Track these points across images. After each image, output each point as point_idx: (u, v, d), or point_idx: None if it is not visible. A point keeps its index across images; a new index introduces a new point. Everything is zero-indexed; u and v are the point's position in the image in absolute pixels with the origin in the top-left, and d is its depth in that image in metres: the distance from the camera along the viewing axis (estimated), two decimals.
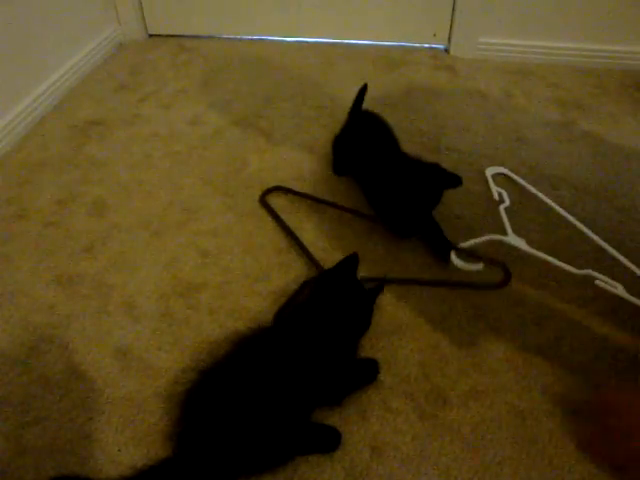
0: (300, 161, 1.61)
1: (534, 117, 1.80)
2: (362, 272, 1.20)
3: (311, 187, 1.50)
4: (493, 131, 1.73)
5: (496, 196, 1.45)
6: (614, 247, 1.29)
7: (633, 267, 1.22)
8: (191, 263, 1.30)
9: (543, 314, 1.17)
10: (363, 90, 1.57)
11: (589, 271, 1.18)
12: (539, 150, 1.64)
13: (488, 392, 1.03)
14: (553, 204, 1.41)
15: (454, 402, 1.02)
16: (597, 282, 1.16)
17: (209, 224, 1.40)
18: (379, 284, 1.04)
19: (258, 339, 0.98)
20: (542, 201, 1.43)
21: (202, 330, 1.14)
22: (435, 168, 1.24)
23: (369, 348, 1.10)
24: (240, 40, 2.29)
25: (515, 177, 1.52)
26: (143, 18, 2.27)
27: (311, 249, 1.30)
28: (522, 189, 1.49)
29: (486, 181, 1.52)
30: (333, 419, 0.99)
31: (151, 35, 2.33)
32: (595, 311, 1.17)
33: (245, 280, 1.25)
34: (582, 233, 1.33)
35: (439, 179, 1.23)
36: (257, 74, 2.06)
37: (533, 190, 1.47)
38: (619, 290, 1.14)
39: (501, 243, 1.27)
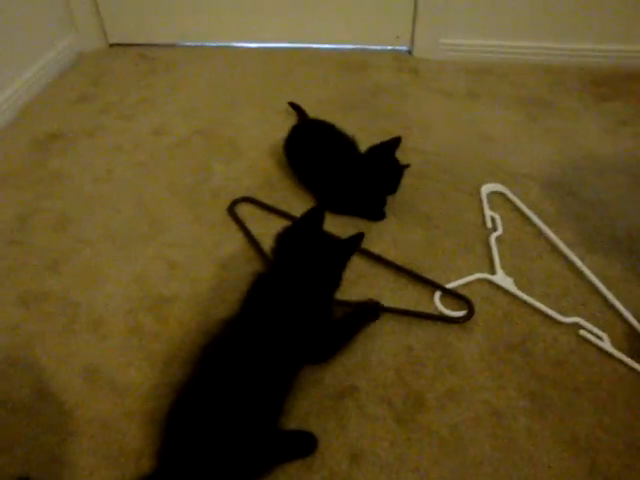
0: (268, 168, 1.59)
1: (498, 115, 1.81)
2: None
3: (280, 194, 1.49)
4: (458, 131, 1.74)
5: (489, 223, 1.38)
6: (583, 241, 1.32)
7: (626, 313, 1.15)
8: (159, 276, 1.27)
9: (514, 311, 1.18)
10: (294, 106, 1.78)
11: (577, 319, 1.14)
12: (504, 148, 1.66)
13: (464, 393, 1.03)
14: (549, 232, 1.34)
15: (431, 404, 1.02)
16: (581, 332, 1.12)
17: (176, 235, 1.38)
18: (357, 235, 1.00)
19: (224, 336, 0.97)
20: (537, 227, 1.37)
21: (173, 344, 1.12)
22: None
23: (343, 354, 1.09)
24: (202, 47, 2.26)
25: (513, 197, 1.45)
26: (102, 27, 2.22)
27: None
28: (516, 210, 1.43)
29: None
30: (310, 428, 0.98)
31: (112, 44, 2.28)
32: (566, 306, 1.18)
33: (216, 291, 1.23)
34: (576, 269, 1.26)
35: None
36: (221, 81, 2.04)
37: (529, 214, 1.40)
38: (605, 343, 1.10)
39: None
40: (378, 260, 1.29)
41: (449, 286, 1.22)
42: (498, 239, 1.33)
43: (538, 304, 1.17)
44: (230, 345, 0.94)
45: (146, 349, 1.11)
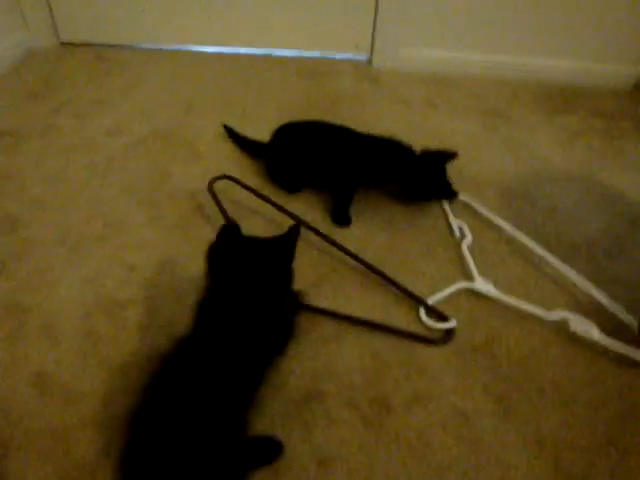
0: (228, 171, 1.55)
1: (456, 125, 1.84)
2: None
3: (241, 196, 1.45)
4: (417, 139, 1.75)
5: (457, 232, 1.38)
6: (542, 248, 1.32)
7: (605, 301, 1.19)
8: (116, 279, 1.22)
9: (477, 314, 1.18)
10: (229, 130, 1.67)
11: (564, 314, 1.14)
12: (463, 155, 1.67)
13: (431, 396, 1.02)
14: (517, 233, 1.36)
15: (398, 408, 1.00)
16: (573, 328, 1.12)
17: (133, 237, 1.33)
18: (292, 228, 0.97)
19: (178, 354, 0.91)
20: (503, 229, 1.38)
21: (131, 349, 1.07)
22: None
23: (308, 358, 1.07)
24: (159, 50, 2.21)
25: (474, 204, 1.46)
26: (54, 24, 2.14)
27: None
28: (481, 217, 1.44)
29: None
30: (276, 434, 0.95)
31: (63, 43, 2.20)
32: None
33: (175, 294, 1.19)
34: (550, 264, 1.29)
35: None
36: (178, 84, 1.99)
37: (493, 218, 1.41)
38: (595, 334, 1.10)
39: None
40: (357, 260, 1.27)
41: (434, 298, 1.20)
42: (470, 247, 1.33)
43: (522, 303, 1.17)
44: (189, 360, 0.89)
45: (101, 354, 1.06)
